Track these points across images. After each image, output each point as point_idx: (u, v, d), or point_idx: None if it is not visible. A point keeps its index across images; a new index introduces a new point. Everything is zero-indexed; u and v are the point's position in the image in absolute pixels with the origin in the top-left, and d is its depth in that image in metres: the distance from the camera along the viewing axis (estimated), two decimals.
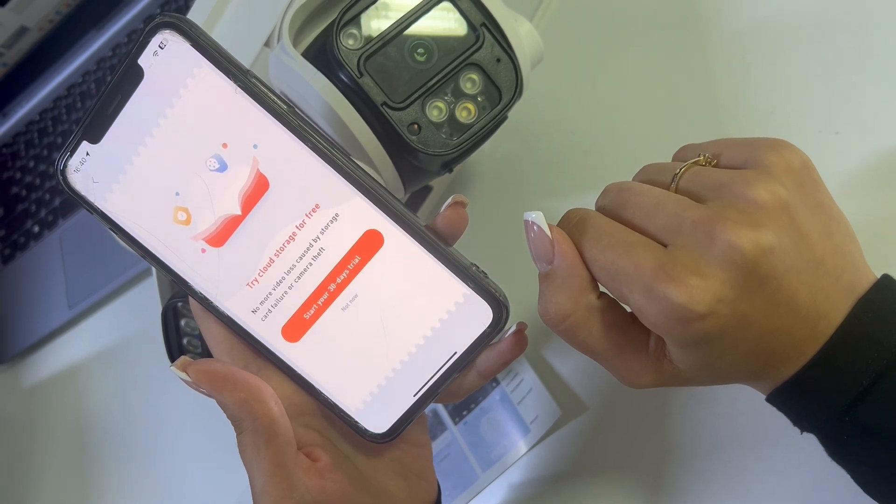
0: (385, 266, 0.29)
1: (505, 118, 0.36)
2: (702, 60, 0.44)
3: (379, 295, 0.29)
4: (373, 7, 0.34)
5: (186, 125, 0.27)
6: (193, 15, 0.45)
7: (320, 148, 0.27)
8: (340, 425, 0.31)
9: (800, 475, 0.27)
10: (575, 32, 0.49)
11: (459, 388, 0.31)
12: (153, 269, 0.43)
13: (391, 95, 0.34)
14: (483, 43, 0.35)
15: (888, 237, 0.36)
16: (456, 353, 0.29)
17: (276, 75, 0.36)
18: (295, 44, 0.36)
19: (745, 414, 0.36)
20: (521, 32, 0.36)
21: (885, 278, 0.26)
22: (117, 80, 0.27)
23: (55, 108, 0.75)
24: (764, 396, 0.27)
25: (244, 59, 0.39)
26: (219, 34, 0.44)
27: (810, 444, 0.27)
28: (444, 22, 0.35)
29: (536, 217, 0.27)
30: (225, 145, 0.27)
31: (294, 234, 0.29)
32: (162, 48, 0.26)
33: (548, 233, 0.26)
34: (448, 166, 0.37)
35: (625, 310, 0.27)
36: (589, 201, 0.29)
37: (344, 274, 0.29)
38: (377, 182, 0.28)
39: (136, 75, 0.27)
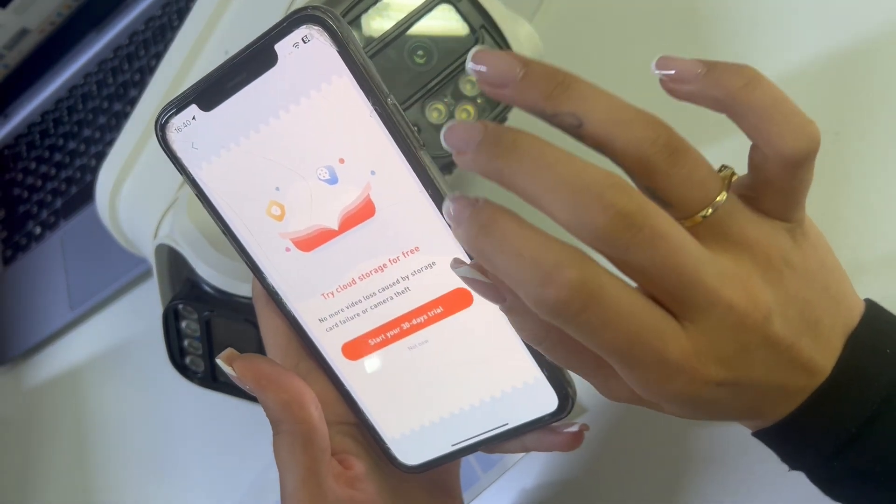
0: (465, 325, 0.28)
1: (505, 119, 0.36)
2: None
3: (451, 348, 0.28)
4: (372, 9, 0.34)
5: (308, 127, 0.25)
6: (194, 16, 0.45)
7: (439, 194, 0.25)
8: None
9: (804, 478, 0.27)
10: (574, 34, 0.49)
11: (497, 447, 0.31)
12: (154, 270, 0.43)
13: None
14: (482, 45, 0.35)
15: (888, 236, 0.36)
16: (507, 424, 0.29)
17: None
18: None
19: None
20: (521, 34, 0.36)
21: (869, 309, 0.25)
22: (247, 57, 0.25)
23: (56, 109, 0.76)
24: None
25: None
26: (219, 36, 0.44)
27: None
28: (444, 24, 0.35)
29: (467, 272, 0.23)
30: (342, 160, 0.26)
31: (384, 265, 0.27)
32: (305, 42, 0.24)
33: (485, 280, 0.22)
34: (448, 168, 0.37)
35: None
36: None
37: (422, 318, 0.28)
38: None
39: (268, 59, 0.25)
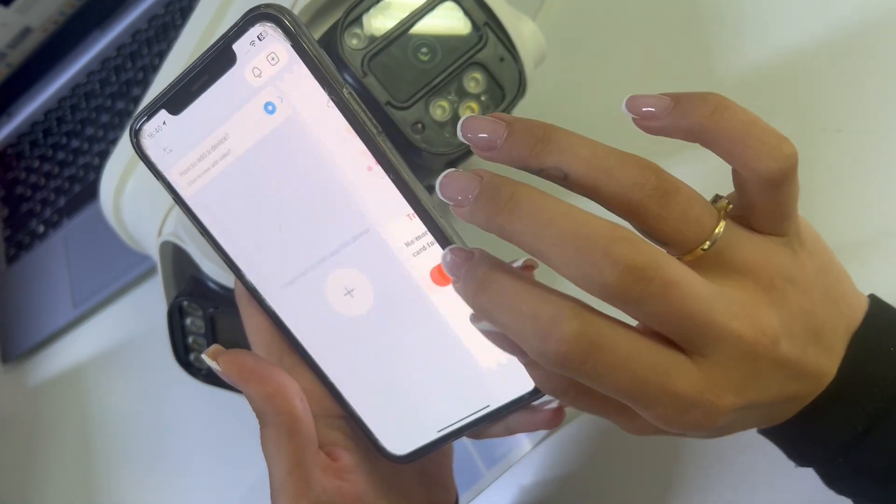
0: (439, 309, 0.28)
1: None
2: (704, 59, 0.44)
3: (426, 334, 0.29)
4: (376, 7, 0.34)
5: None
6: (198, 14, 0.45)
7: (402, 179, 0.26)
8: None
9: (806, 474, 0.27)
10: (578, 31, 0.49)
11: (483, 432, 0.31)
12: (159, 267, 0.43)
13: (395, 95, 0.34)
14: (486, 42, 0.35)
15: (890, 234, 0.36)
16: (489, 406, 0.29)
17: None
18: None
19: None
20: (525, 31, 0.36)
21: (873, 307, 0.25)
22: (209, 59, 0.26)
23: (60, 108, 0.76)
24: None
25: None
26: (222, 33, 0.44)
27: None
28: (448, 21, 0.35)
29: (486, 326, 0.22)
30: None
31: (339, 251, 0.28)
32: (260, 40, 0.25)
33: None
34: (452, 165, 0.37)
35: None
36: (591, 204, 0.28)
37: (394, 301, 0.28)
38: (449, 223, 0.27)
39: (228, 59, 0.26)
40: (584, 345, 0.19)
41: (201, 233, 0.29)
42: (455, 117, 0.35)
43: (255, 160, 0.27)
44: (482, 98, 0.35)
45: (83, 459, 0.63)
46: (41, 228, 0.73)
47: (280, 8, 0.25)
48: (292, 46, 0.25)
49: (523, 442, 0.42)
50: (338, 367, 0.30)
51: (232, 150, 0.27)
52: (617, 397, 0.21)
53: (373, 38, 0.34)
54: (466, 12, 0.35)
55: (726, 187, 0.25)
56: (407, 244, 0.27)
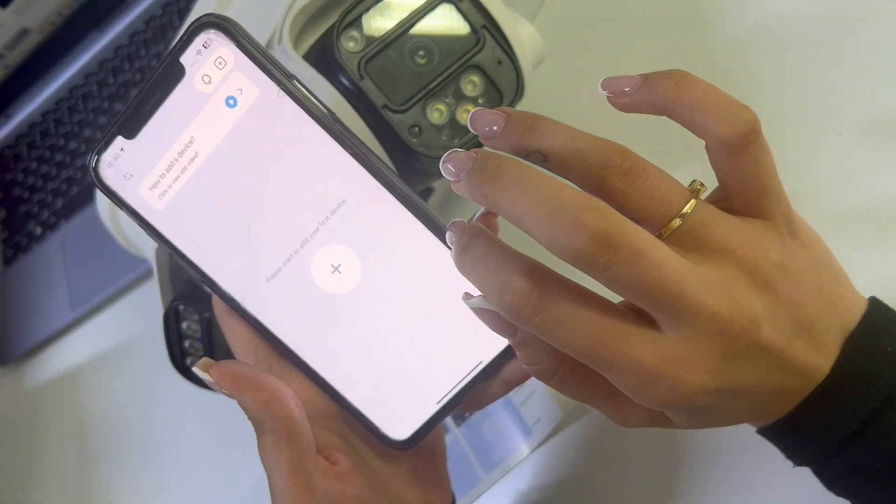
0: (417, 277, 0.29)
1: None
2: (704, 61, 0.44)
3: (408, 302, 0.29)
4: (373, 9, 0.34)
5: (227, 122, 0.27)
6: (195, 15, 0.45)
7: (359, 153, 0.27)
8: (361, 429, 0.31)
9: (805, 478, 0.27)
10: (576, 34, 0.49)
11: (483, 396, 0.31)
12: (155, 270, 0.43)
13: (392, 98, 0.34)
14: (484, 45, 0.35)
15: (891, 238, 0.36)
16: (482, 362, 0.29)
17: None
18: (296, 46, 0.36)
19: None
20: (522, 34, 0.36)
21: (872, 307, 0.25)
22: (157, 77, 0.27)
23: (57, 109, 0.76)
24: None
25: None
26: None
27: None
28: (445, 24, 0.35)
29: (478, 302, 0.24)
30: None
31: (318, 229, 0.29)
32: (206, 47, 0.26)
33: (495, 309, 0.23)
34: None
35: None
36: None
37: (369, 276, 0.29)
38: (411, 192, 0.28)
39: (177, 73, 0.27)
40: (533, 299, 0.21)
41: (172, 254, 0.29)
42: (452, 120, 0.35)
43: (221, 159, 0.28)
44: (479, 101, 0.35)
45: (81, 461, 0.63)
46: (38, 230, 0.73)
47: (219, 15, 0.27)
48: (238, 48, 0.26)
49: (521, 446, 0.41)
50: (327, 362, 0.30)
51: (199, 153, 0.28)
52: (574, 356, 0.22)
53: (369, 41, 0.34)
54: (464, 15, 0.34)
55: None
56: (381, 213, 0.28)
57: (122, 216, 0.46)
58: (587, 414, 0.40)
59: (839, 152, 0.38)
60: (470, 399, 0.30)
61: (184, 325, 0.40)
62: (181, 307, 0.40)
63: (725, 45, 0.43)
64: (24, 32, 0.77)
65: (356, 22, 0.34)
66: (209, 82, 0.27)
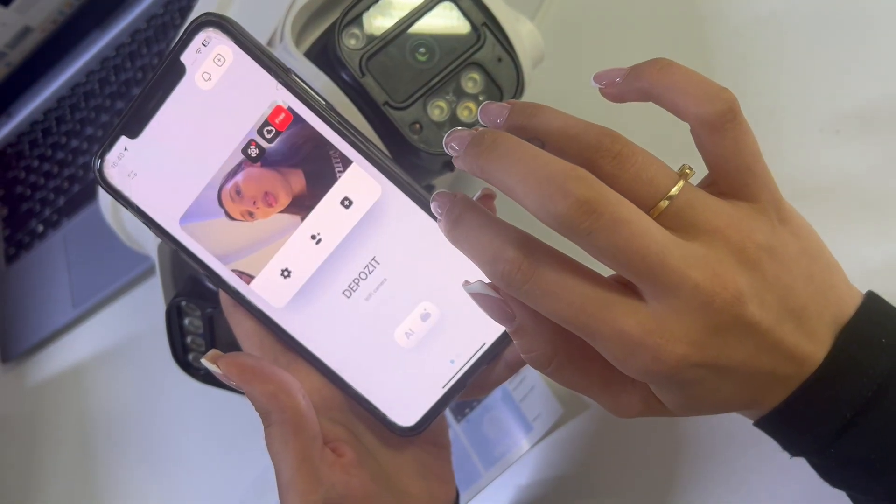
0: (417, 260, 0.29)
1: None
2: (703, 59, 0.44)
3: (408, 287, 0.30)
4: (375, 7, 0.34)
5: (227, 118, 0.28)
6: (195, 15, 0.45)
7: (357, 144, 0.28)
8: (367, 421, 0.32)
9: (803, 474, 0.27)
10: (576, 31, 0.49)
11: (487, 380, 0.32)
12: (157, 267, 0.43)
13: (393, 95, 0.34)
14: (484, 42, 0.35)
15: (889, 235, 0.36)
16: (485, 344, 0.30)
17: None
18: (297, 43, 0.36)
19: None
20: (523, 32, 0.36)
21: (868, 300, 0.26)
22: (159, 76, 0.28)
23: (59, 107, 0.76)
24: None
25: None
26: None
27: None
28: (446, 21, 0.35)
29: (477, 287, 0.25)
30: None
31: (318, 222, 0.29)
32: (205, 45, 0.27)
33: (495, 295, 0.25)
34: (450, 165, 0.37)
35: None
36: None
37: (370, 266, 0.30)
38: (412, 180, 0.29)
39: (178, 71, 0.27)
40: (524, 267, 0.22)
41: (178, 251, 0.30)
42: (453, 117, 0.35)
43: (218, 163, 0.28)
44: (480, 98, 0.35)
45: (83, 458, 0.63)
46: (41, 228, 0.73)
47: (216, 14, 0.27)
48: (236, 44, 0.27)
49: (521, 442, 0.42)
50: (333, 351, 0.31)
51: (200, 157, 0.29)
52: (561, 323, 0.23)
53: (371, 39, 0.34)
54: (464, 12, 0.35)
55: None
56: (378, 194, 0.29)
57: (125, 213, 0.46)
58: (587, 409, 0.40)
59: (838, 149, 0.38)
60: (475, 384, 0.31)
61: (186, 321, 0.41)
62: (183, 303, 0.40)
63: (724, 41, 0.43)
64: (26, 31, 0.77)
65: (357, 19, 0.34)
66: (209, 79, 0.27)
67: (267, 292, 0.30)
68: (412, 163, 0.36)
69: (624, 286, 0.23)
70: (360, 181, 0.28)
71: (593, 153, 0.23)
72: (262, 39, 0.41)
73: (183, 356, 0.41)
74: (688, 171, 0.24)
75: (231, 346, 0.33)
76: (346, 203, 0.29)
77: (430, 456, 0.33)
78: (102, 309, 0.66)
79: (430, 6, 0.34)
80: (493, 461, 0.42)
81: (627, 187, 0.23)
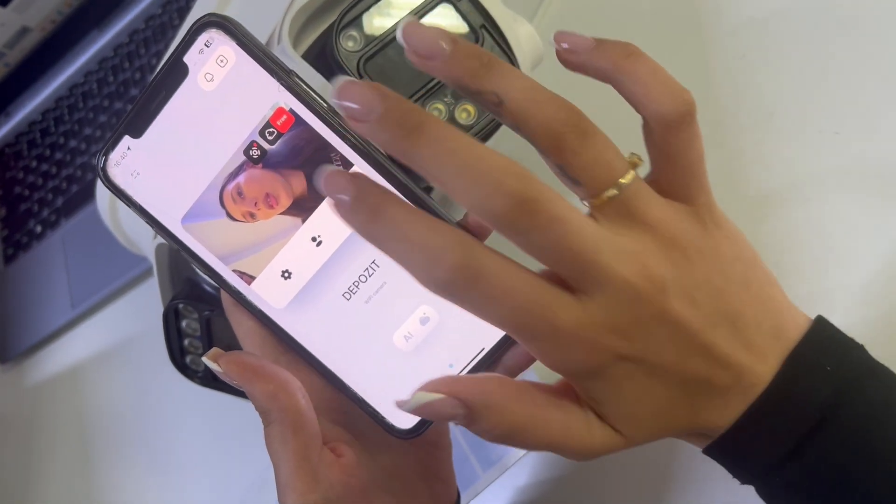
0: None
1: None
2: (702, 60, 0.44)
3: (406, 289, 0.30)
4: (372, 9, 0.34)
5: (229, 119, 0.28)
6: (195, 14, 0.45)
7: (358, 147, 0.28)
8: (366, 422, 0.32)
9: None
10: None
11: None
12: (155, 269, 0.43)
13: None
14: (482, 44, 0.35)
15: (887, 236, 0.36)
16: (484, 349, 0.30)
17: None
18: (295, 46, 0.36)
19: None
20: (521, 34, 0.36)
21: (817, 325, 0.25)
22: (161, 76, 0.28)
23: (57, 107, 0.76)
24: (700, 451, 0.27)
25: None
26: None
27: None
28: (444, 23, 0.35)
29: (419, 399, 0.23)
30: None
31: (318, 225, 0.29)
32: (207, 46, 0.27)
33: (440, 396, 0.23)
34: None
35: (544, 386, 0.26)
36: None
37: (369, 268, 0.30)
38: (412, 183, 0.29)
39: (181, 72, 0.28)
40: (467, 273, 0.21)
41: (180, 250, 0.30)
42: (451, 119, 0.35)
43: (220, 164, 0.29)
44: None
45: (81, 459, 0.63)
46: (39, 228, 0.73)
47: (219, 14, 0.27)
48: (238, 45, 0.27)
49: None
50: (332, 353, 0.31)
51: (202, 158, 0.29)
52: (502, 329, 0.22)
53: (368, 41, 0.34)
54: (462, 14, 0.34)
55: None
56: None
57: (122, 215, 0.46)
58: None
59: (837, 152, 0.38)
60: None
61: (183, 323, 0.41)
62: (181, 305, 0.40)
63: (724, 43, 0.43)
64: (24, 31, 0.77)
65: (356, 21, 0.34)
66: (212, 80, 0.28)
67: (267, 293, 0.30)
68: None
69: (557, 282, 0.22)
70: None
71: (561, 126, 0.22)
72: (260, 41, 0.41)
73: (180, 358, 0.41)
74: (637, 160, 0.24)
75: (229, 348, 0.33)
76: None
77: (430, 457, 0.33)
78: (100, 310, 0.66)
79: (429, 8, 0.34)
80: (492, 463, 0.42)
81: (586, 165, 0.22)
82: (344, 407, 0.32)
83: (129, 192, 0.29)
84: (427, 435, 0.31)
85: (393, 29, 0.34)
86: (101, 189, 0.47)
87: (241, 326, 0.31)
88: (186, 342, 0.41)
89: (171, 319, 0.40)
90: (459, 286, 0.21)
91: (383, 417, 0.31)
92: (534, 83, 0.23)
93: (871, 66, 0.39)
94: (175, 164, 0.29)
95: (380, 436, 0.32)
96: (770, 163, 0.39)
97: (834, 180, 0.38)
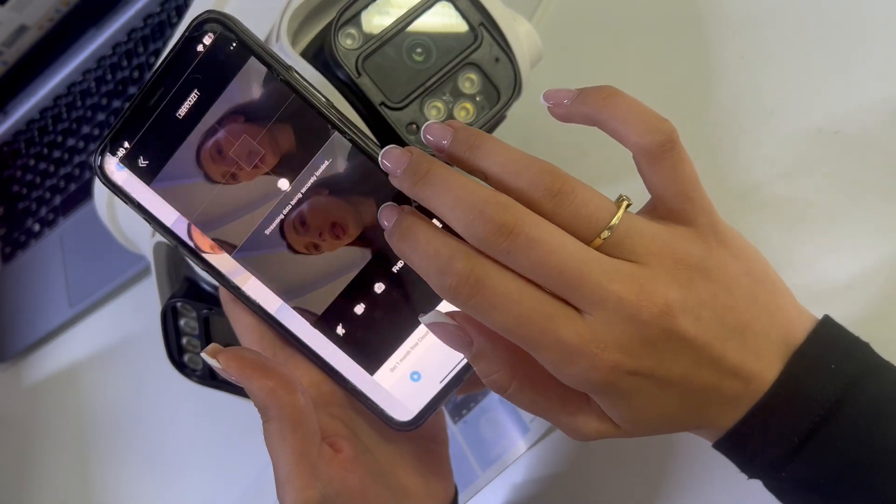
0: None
1: (503, 118, 0.36)
2: (701, 60, 0.44)
3: (405, 282, 0.30)
4: (371, 7, 0.34)
5: (230, 112, 0.28)
6: (193, 12, 0.45)
7: (356, 140, 0.28)
8: (366, 416, 0.32)
9: None
10: (574, 32, 0.49)
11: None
12: (153, 268, 0.43)
13: (389, 95, 0.34)
14: (481, 42, 0.35)
15: (888, 236, 0.36)
16: None
17: None
18: (293, 43, 0.36)
19: None
20: (520, 32, 0.36)
21: (823, 325, 0.26)
22: (160, 73, 0.28)
23: (56, 106, 0.75)
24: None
25: None
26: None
27: None
28: (443, 21, 0.35)
29: (433, 317, 0.26)
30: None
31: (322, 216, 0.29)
32: (207, 43, 0.27)
33: (451, 322, 0.26)
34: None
35: None
36: None
37: (367, 258, 0.30)
38: None
39: (180, 68, 0.28)
40: (471, 281, 0.23)
41: (178, 247, 0.30)
42: (450, 118, 0.35)
43: (220, 158, 0.29)
44: (477, 99, 0.35)
45: (79, 458, 0.63)
46: (37, 227, 0.72)
47: (218, 12, 0.28)
48: (237, 42, 0.28)
49: (518, 443, 0.42)
50: (332, 347, 0.31)
51: (201, 154, 0.29)
52: (508, 337, 0.24)
53: (367, 39, 0.34)
54: (461, 12, 0.34)
55: None
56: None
57: (121, 213, 0.46)
58: None
59: (836, 151, 0.38)
60: (472, 379, 0.31)
61: (181, 322, 0.40)
62: (179, 304, 0.40)
63: (723, 43, 0.43)
64: (22, 29, 0.76)
65: (354, 19, 0.34)
66: (211, 76, 0.28)
67: (264, 293, 0.30)
68: None
69: (562, 298, 0.24)
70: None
71: (533, 193, 0.24)
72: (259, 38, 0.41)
73: (178, 357, 0.41)
74: (626, 200, 0.25)
75: (227, 346, 0.33)
76: None
77: (428, 452, 0.33)
78: (98, 309, 0.66)
79: (428, 6, 0.34)
80: (490, 462, 0.42)
81: (567, 222, 0.24)
82: (343, 401, 0.32)
83: (128, 189, 0.29)
84: (425, 429, 0.31)
85: (392, 27, 0.34)
86: (98, 187, 0.47)
87: (240, 321, 0.32)
88: (185, 341, 0.41)
89: (170, 318, 0.40)
90: (464, 292, 0.23)
91: (383, 410, 0.31)
92: (513, 154, 0.25)
93: (870, 65, 0.39)
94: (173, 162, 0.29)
95: (378, 430, 0.32)
96: (770, 162, 0.39)
97: (834, 180, 0.38)
